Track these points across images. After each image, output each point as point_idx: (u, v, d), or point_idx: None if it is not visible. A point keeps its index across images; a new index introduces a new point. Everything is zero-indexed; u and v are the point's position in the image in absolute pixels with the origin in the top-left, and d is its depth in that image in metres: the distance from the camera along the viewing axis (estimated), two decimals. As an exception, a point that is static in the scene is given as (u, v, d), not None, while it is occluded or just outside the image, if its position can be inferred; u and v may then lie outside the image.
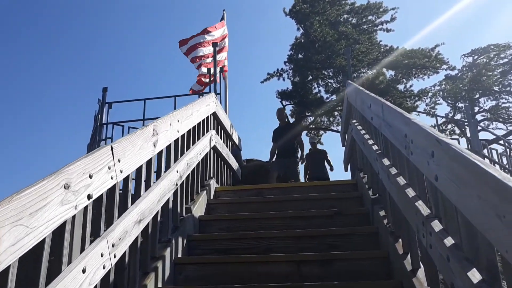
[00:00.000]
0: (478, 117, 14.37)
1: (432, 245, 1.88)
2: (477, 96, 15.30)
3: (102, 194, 2.07)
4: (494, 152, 9.18)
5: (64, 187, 1.69)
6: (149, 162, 2.76)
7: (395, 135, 2.43)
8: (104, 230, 2.12)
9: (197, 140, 4.08)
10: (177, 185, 3.21)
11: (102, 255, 1.97)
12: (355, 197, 4.17)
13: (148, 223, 2.63)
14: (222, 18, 9.91)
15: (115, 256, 2.10)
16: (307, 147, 8.15)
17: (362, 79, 10.99)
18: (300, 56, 14.36)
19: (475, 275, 1.46)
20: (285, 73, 14.57)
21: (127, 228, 2.29)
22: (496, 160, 8.58)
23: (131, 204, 2.45)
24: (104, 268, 1.97)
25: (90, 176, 1.91)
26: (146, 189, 2.67)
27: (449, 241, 1.72)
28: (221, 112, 5.41)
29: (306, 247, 3.27)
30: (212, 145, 4.66)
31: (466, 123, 6.30)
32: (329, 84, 14.27)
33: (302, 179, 7.62)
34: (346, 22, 14.52)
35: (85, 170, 1.87)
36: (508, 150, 8.07)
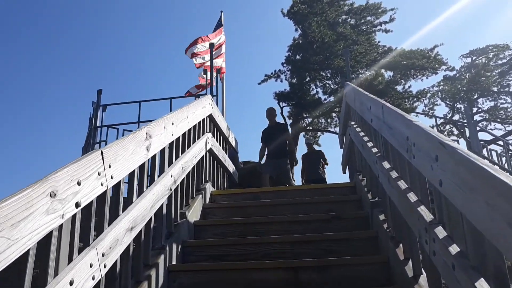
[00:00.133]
0: (477, 117, 14.34)
1: (436, 252, 1.81)
2: (475, 96, 15.26)
3: (91, 202, 1.98)
4: (494, 153, 9.14)
5: (50, 195, 1.60)
6: (142, 167, 2.68)
7: (396, 138, 2.36)
8: (94, 239, 2.04)
9: (193, 143, 4.00)
10: (171, 190, 3.13)
11: (91, 266, 1.88)
12: (353, 200, 4.09)
13: (140, 230, 2.55)
14: (220, 19, 9.83)
15: (105, 266, 2.01)
16: (303, 148, 8.06)
17: (361, 80, 10.93)
18: (298, 57, 14.30)
19: (483, 286, 1.39)
20: (282, 75, 14.53)
21: (118, 236, 2.20)
22: (496, 161, 8.52)
23: (123, 211, 2.36)
24: (93, 279, 1.88)
25: (79, 183, 1.82)
26: (138, 195, 2.59)
27: (454, 248, 1.65)
28: (218, 114, 5.32)
29: (303, 253, 3.19)
30: (208, 148, 4.58)
31: (465, 124, 6.23)
32: (327, 85, 14.22)
33: (300, 181, 7.53)
34: (345, 23, 14.47)
35: (73, 177, 1.78)
36: (507, 150, 8.00)
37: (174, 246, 3.14)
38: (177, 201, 3.39)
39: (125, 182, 2.48)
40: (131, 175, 2.53)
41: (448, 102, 15.37)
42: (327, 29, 13.28)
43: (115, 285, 2.21)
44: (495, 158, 9.01)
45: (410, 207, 2.18)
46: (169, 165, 3.21)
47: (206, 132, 4.65)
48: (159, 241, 2.98)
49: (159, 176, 2.99)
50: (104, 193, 2.11)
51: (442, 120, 14.22)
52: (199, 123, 4.28)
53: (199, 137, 4.27)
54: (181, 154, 3.56)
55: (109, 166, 2.13)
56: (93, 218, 2.05)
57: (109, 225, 2.18)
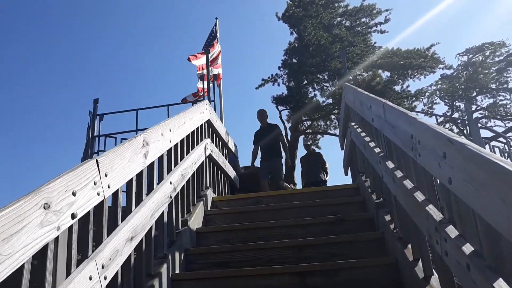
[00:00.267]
0: (476, 115, 14.28)
1: (448, 252, 1.74)
2: (474, 94, 15.22)
3: (88, 212, 1.92)
4: (496, 150, 9.08)
5: (44, 207, 1.54)
6: (139, 175, 2.62)
7: (400, 137, 2.29)
8: (93, 250, 1.97)
9: (191, 149, 3.93)
10: (171, 197, 3.06)
11: (90, 278, 1.81)
12: (357, 202, 4.03)
13: (141, 240, 2.48)
14: (215, 27, 9.81)
15: (105, 278, 1.94)
16: (303, 152, 7.95)
17: (359, 81, 10.88)
18: (294, 60, 14.25)
19: (501, 286, 1.32)
20: (279, 78, 14.48)
21: (118, 246, 2.13)
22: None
23: (122, 221, 2.29)
24: (93, 292, 1.82)
25: (74, 194, 1.76)
26: (137, 204, 2.52)
27: (467, 248, 1.58)
28: (216, 120, 5.27)
29: (309, 257, 3.12)
30: (207, 154, 4.52)
31: (466, 122, 6.18)
32: (325, 87, 14.17)
33: (300, 183, 7.42)
34: (340, 25, 14.42)
35: (67, 187, 1.72)
36: (507, 147, 7.95)
37: (177, 255, 3.07)
38: (178, 209, 3.33)
39: (123, 191, 2.42)
40: (129, 183, 2.46)
41: (447, 101, 15.32)
42: (323, 32, 13.25)
43: (116, 298, 2.14)
44: (498, 154, 8.97)
45: (417, 206, 2.11)
46: (168, 172, 3.14)
47: (205, 138, 4.59)
48: (161, 250, 2.91)
49: (158, 183, 2.93)
50: (101, 203, 2.05)
51: (442, 119, 14.17)
52: (197, 129, 4.22)
53: (197, 143, 4.21)
54: (180, 160, 3.50)
55: (105, 175, 2.07)
56: (91, 229, 1.98)
57: (108, 236, 2.11)
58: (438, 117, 12.75)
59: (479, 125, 7.11)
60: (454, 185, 1.54)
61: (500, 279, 1.33)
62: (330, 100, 14.05)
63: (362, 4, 14.60)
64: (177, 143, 3.43)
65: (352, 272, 2.79)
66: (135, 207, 2.49)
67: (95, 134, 6.81)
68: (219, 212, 4.17)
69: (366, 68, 13.03)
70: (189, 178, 3.70)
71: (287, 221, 3.66)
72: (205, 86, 7.64)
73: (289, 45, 14.70)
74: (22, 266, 1.41)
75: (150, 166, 2.83)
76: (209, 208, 4.27)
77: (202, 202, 4.05)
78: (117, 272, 2.12)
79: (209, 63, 7.53)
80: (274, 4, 36.43)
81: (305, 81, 14.13)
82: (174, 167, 3.31)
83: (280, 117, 14.35)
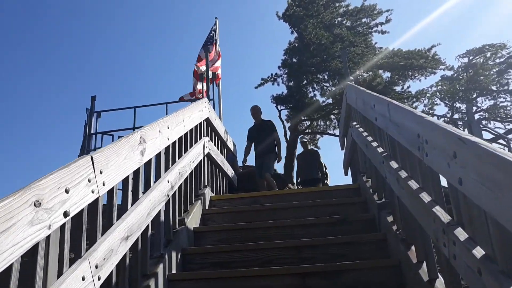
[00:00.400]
0: (476, 116, 14.22)
1: (456, 255, 1.67)
2: (474, 96, 15.15)
3: (82, 210, 1.84)
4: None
5: (34, 205, 1.46)
6: (136, 173, 2.54)
7: (405, 136, 2.22)
8: (87, 250, 1.89)
9: (190, 147, 3.86)
10: (168, 196, 2.98)
11: (83, 279, 1.74)
12: (358, 202, 3.96)
13: (137, 239, 2.40)
14: (214, 27, 9.74)
15: (99, 279, 1.87)
16: (299, 150, 7.82)
17: (359, 81, 10.81)
18: (294, 60, 14.14)
19: (516, 293, 1.25)
20: (279, 78, 14.37)
21: (113, 246, 2.06)
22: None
23: (117, 219, 2.22)
24: (86, 293, 1.74)
25: (67, 191, 1.68)
26: (133, 202, 2.45)
27: (478, 251, 1.51)
28: (215, 118, 5.19)
29: (309, 258, 3.05)
30: (205, 152, 4.44)
31: (469, 123, 6.12)
32: (325, 87, 14.08)
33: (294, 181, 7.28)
34: (341, 25, 14.31)
35: (60, 184, 1.64)
36: (507, 149, 7.90)
37: (174, 254, 2.99)
38: (175, 207, 3.25)
39: (118, 189, 2.35)
40: (125, 181, 2.39)
41: (447, 102, 15.25)
42: (324, 31, 13.14)
43: (111, 299, 2.07)
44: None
45: (424, 208, 2.04)
46: (165, 171, 3.07)
47: (204, 136, 4.51)
48: (157, 250, 2.84)
49: (155, 181, 2.85)
50: (96, 200, 1.97)
51: (442, 120, 14.10)
52: (195, 127, 4.14)
53: (196, 141, 4.13)
54: (178, 158, 3.42)
55: (101, 172, 1.99)
56: (85, 228, 1.90)
57: (102, 235, 2.04)
58: (438, 118, 12.68)
59: (481, 126, 7.04)
60: (465, 186, 1.47)
61: (516, 285, 1.26)
62: (330, 100, 13.98)
63: (363, 4, 14.52)
64: (175, 141, 3.36)
65: (354, 274, 2.72)
66: (131, 205, 2.42)
67: (92, 131, 6.73)
68: (217, 211, 4.09)
69: (367, 68, 12.94)
70: (187, 176, 3.62)
71: (286, 221, 3.59)
72: (205, 86, 7.57)
73: (289, 45, 14.61)
74: (11, 266, 1.34)
75: (147, 164, 2.76)
76: (207, 207, 4.20)
77: (200, 201, 3.98)
78: (111, 273, 2.04)
79: (209, 64, 7.45)
80: (275, 3, 36.36)
81: (305, 81, 14.03)
82: (172, 165, 3.23)
83: (280, 116, 14.28)
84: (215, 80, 8.67)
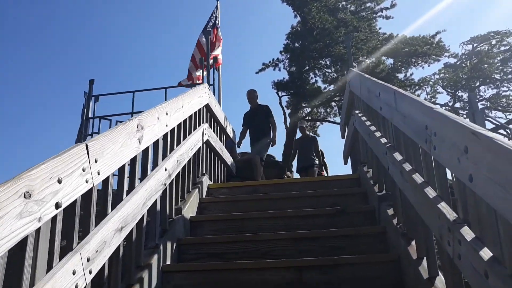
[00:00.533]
0: (478, 105, 14.07)
1: (461, 255, 1.60)
2: (477, 84, 14.99)
3: (75, 201, 1.77)
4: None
5: (24, 196, 1.39)
6: (133, 161, 2.47)
7: (412, 127, 2.14)
8: (79, 242, 1.83)
9: (189, 134, 3.78)
10: (165, 184, 2.91)
11: (74, 273, 1.67)
12: (358, 193, 3.90)
13: (131, 230, 2.34)
14: (216, 9, 9.56)
15: (90, 272, 1.81)
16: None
17: (362, 68, 10.67)
18: (296, 45, 13.93)
19: (526, 300, 1.19)
20: (281, 63, 14.18)
21: (106, 238, 1.99)
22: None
23: (112, 210, 2.15)
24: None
25: (59, 181, 1.61)
26: (129, 192, 2.38)
27: (485, 253, 1.44)
28: (215, 104, 5.10)
29: (307, 250, 3.00)
30: (205, 140, 4.36)
31: (469, 112, 6.03)
32: (327, 73, 13.90)
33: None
34: (345, 9, 14.03)
35: (52, 174, 1.57)
36: (508, 139, 7.82)
37: (169, 245, 2.94)
38: (172, 196, 3.19)
39: (115, 175, 2.28)
40: (121, 170, 2.32)
41: (449, 90, 15.10)
42: (328, 15, 12.90)
43: (103, 292, 2.01)
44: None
45: (428, 203, 1.97)
46: (163, 159, 3.00)
47: (203, 122, 4.43)
48: (152, 240, 2.78)
49: (152, 170, 2.78)
50: (90, 190, 1.90)
51: (444, 109, 13.96)
52: (195, 113, 4.06)
53: (195, 128, 4.05)
54: (176, 146, 3.35)
55: (95, 161, 1.92)
56: (77, 219, 1.84)
57: (95, 226, 1.97)
58: (441, 107, 12.57)
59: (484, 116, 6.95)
60: (475, 183, 1.40)
61: (527, 292, 1.20)
62: (332, 87, 13.83)
63: (368, -13, 14.25)
64: (173, 128, 3.28)
65: (352, 268, 2.67)
66: (127, 195, 2.35)
67: (90, 116, 6.64)
68: (214, 200, 4.03)
69: (371, 54, 12.73)
70: (185, 164, 3.55)
71: (285, 211, 3.53)
72: (204, 72, 7.44)
73: (292, 29, 14.38)
74: (-4, 261, 1.27)
75: (145, 152, 2.69)
76: (204, 196, 4.13)
77: (197, 190, 3.91)
78: (104, 265, 1.99)
79: (209, 49, 7.31)
80: (277, -13, 35.81)
81: (307, 67, 13.86)
82: (170, 152, 3.16)
83: (280, 103, 14.15)
84: (215, 64, 8.54)
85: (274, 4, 26.15)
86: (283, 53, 14.17)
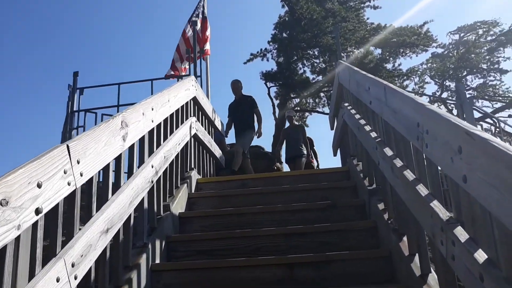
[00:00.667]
0: (466, 96, 14.15)
1: (455, 256, 1.58)
2: (464, 74, 15.07)
3: (57, 205, 1.70)
4: (479, 127, 9.03)
5: (1, 204, 1.32)
6: (118, 159, 2.41)
7: (403, 123, 2.10)
8: (62, 247, 1.76)
9: (176, 129, 3.70)
10: (152, 182, 2.85)
11: (58, 280, 1.61)
12: (348, 186, 3.87)
13: (118, 230, 2.28)
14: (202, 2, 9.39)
15: (76, 278, 1.75)
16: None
17: (351, 59, 10.62)
18: (284, 35, 13.83)
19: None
20: (269, 53, 14.08)
21: (92, 241, 1.93)
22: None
23: (97, 211, 2.09)
24: (61, 295, 1.62)
25: (39, 185, 1.54)
26: (114, 191, 2.31)
27: (480, 255, 1.41)
28: (202, 97, 5.02)
29: (298, 245, 2.97)
30: (192, 134, 4.29)
31: (460, 103, 6.04)
32: (315, 64, 13.84)
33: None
34: (333, -1, 14.01)
35: (31, 178, 1.50)
36: (499, 128, 7.88)
37: (158, 243, 2.88)
38: (159, 193, 3.12)
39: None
40: (106, 169, 2.25)
41: (437, 80, 15.16)
42: (315, 5, 12.81)
43: (89, 296, 1.96)
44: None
45: (420, 201, 1.95)
46: (149, 155, 2.93)
47: (190, 116, 4.36)
48: (140, 239, 2.72)
49: (138, 167, 2.71)
50: (73, 193, 1.84)
51: (428, 99, 14.03)
52: (182, 107, 3.98)
53: (182, 122, 3.98)
54: (163, 141, 3.28)
55: (78, 162, 1.85)
56: (60, 224, 1.77)
57: (80, 229, 1.91)
58: (429, 98, 12.62)
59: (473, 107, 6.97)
60: (470, 184, 1.37)
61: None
62: (320, 78, 13.78)
63: (355, -22, 14.17)
64: (160, 123, 3.21)
65: (344, 264, 2.65)
66: (112, 194, 2.28)
67: (75, 109, 6.50)
68: (204, 195, 3.98)
69: (359, 44, 12.69)
70: (173, 160, 3.48)
71: (275, 206, 3.49)
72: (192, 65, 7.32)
73: (280, 19, 14.24)
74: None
75: (130, 149, 2.62)
76: (193, 191, 4.08)
77: (186, 185, 3.85)
78: (90, 269, 1.93)
79: (195, 40, 7.18)
80: (264, -25, 35.45)
81: (295, 57, 13.77)
82: (157, 149, 3.09)
83: (269, 94, 14.07)
84: (202, 55, 8.42)
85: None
86: (271, 43, 14.07)
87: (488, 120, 12.59)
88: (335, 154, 6.00)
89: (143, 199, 2.70)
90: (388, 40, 12.75)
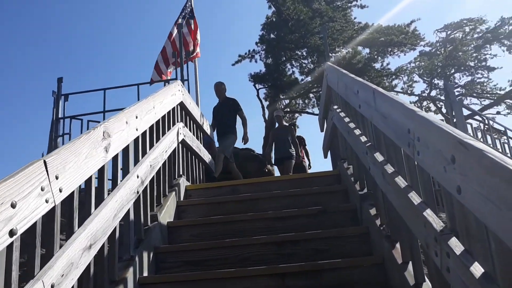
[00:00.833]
0: (455, 96, 14.23)
1: (450, 269, 1.52)
2: (452, 71, 15.15)
3: (34, 224, 1.62)
4: (468, 126, 9.07)
5: (-30, 228, 1.24)
6: (100, 172, 2.32)
7: (393, 129, 2.05)
8: (41, 267, 1.68)
9: (162, 136, 3.62)
10: (138, 192, 2.77)
11: (36, 304, 1.53)
12: (339, 190, 3.81)
13: (103, 245, 2.20)
14: (188, 1, 9.27)
15: (56, 300, 1.66)
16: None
17: (339, 59, 10.59)
18: (272, 36, 13.78)
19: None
20: (257, 55, 14.04)
21: (73, 259, 1.85)
22: (472, 135, 8.45)
23: (79, 227, 2.01)
24: (39, 320, 1.54)
25: (13, 205, 1.45)
26: (97, 205, 2.23)
27: (476, 269, 1.36)
28: (190, 101, 4.94)
29: (290, 254, 2.91)
30: (180, 140, 4.21)
31: (447, 101, 6.03)
32: (303, 65, 13.80)
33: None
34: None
35: (3, 199, 1.41)
36: (488, 126, 7.90)
37: (145, 255, 2.80)
38: (146, 203, 3.04)
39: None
40: (88, 182, 2.16)
41: (425, 78, 15.22)
42: (302, 6, 12.78)
43: (72, 317, 1.87)
44: (470, 132, 8.95)
45: (413, 209, 1.89)
46: (135, 165, 2.84)
47: (178, 122, 4.28)
48: (127, 251, 2.63)
49: (123, 178, 2.63)
50: (52, 210, 1.75)
51: (416, 99, 14.10)
52: (168, 112, 3.90)
53: (169, 128, 3.89)
54: (149, 150, 3.20)
55: (56, 178, 1.76)
56: (38, 243, 1.69)
57: (60, 247, 1.82)
58: (418, 96, 12.64)
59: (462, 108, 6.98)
60: (464, 196, 1.31)
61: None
62: (309, 78, 13.75)
63: (341, -23, 14.16)
64: (145, 131, 3.12)
65: (336, 273, 2.59)
66: (95, 208, 2.20)
67: (60, 115, 6.37)
68: (193, 203, 3.90)
69: (347, 44, 12.68)
70: (160, 167, 3.40)
71: (266, 213, 3.43)
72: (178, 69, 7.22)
73: (267, 19, 14.19)
74: None
75: (114, 160, 2.53)
76: (182, 199, 4.00)
77: (174, 193, 3.77)
78: (72, 287, 1.84)
79: (182, 43, 7.08)
80: (251, -24, 35.37)
81: (284, 58, 13.73)
82: (142, 157, 3.00)
83: (258, 95, 14.01)
84: (190, 58, 8.31)
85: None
86: (259, 44, 14.01)
87: (477, 117, 12.66)
88: (325, 156, 5.95)
89: (128, 210, 2.62)
90: (376, 39, 12.76)
